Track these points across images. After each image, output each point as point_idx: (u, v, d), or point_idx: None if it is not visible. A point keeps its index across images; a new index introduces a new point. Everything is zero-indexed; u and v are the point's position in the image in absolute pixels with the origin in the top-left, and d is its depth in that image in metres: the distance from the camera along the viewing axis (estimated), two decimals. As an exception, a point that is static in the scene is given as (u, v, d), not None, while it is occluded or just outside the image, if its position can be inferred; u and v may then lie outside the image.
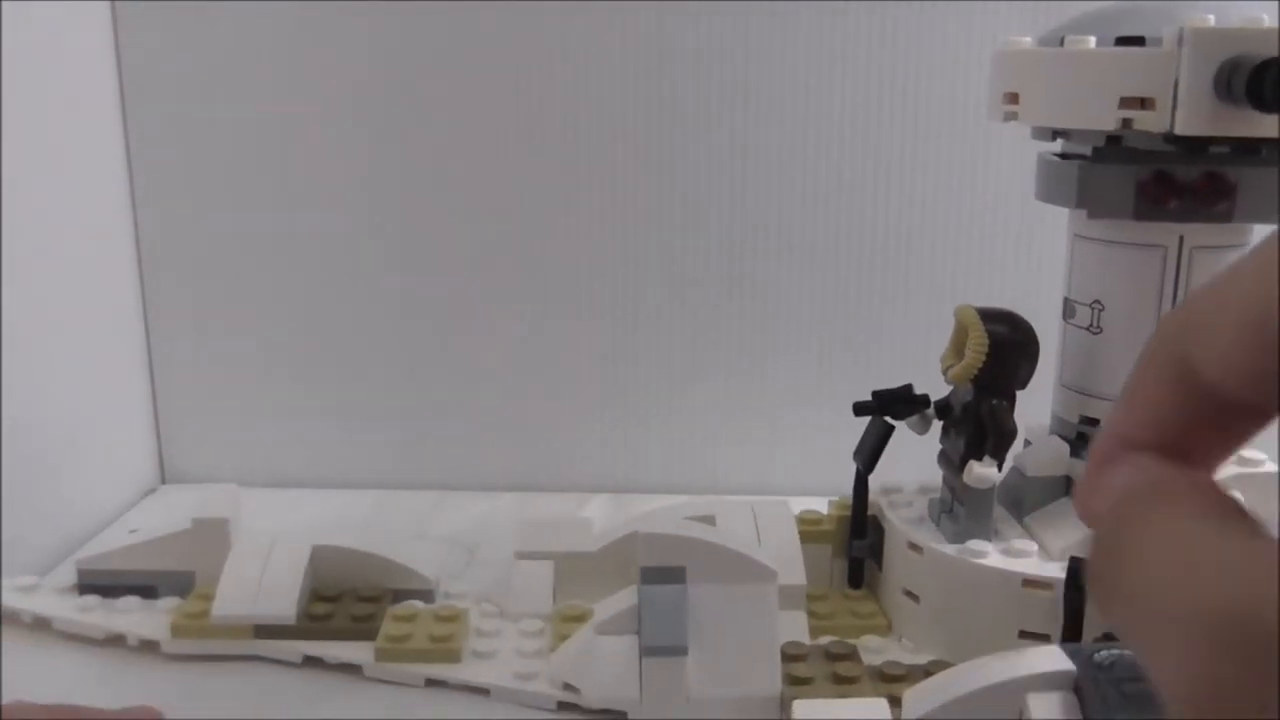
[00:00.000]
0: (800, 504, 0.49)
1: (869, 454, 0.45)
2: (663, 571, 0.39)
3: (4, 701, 0.37)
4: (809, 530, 0.47)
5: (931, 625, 0.43)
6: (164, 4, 0.57)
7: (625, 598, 0.40)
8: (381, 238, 0.59)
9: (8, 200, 0.49)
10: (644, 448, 0.60)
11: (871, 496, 0.47)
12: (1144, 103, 0.36)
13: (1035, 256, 0.57)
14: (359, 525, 0.56)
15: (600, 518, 0.52)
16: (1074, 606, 0.37)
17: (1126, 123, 0.37)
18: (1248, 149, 0.38)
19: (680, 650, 0.38)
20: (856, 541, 0.46)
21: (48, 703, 0.37)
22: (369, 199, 0.59)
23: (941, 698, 0.34)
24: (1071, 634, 0.37)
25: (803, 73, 0.56)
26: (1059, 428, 0.45)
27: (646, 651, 0.38)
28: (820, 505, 0.49)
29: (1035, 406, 0.45)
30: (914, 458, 0.46)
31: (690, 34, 0.56)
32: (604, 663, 0.39)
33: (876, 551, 0.46)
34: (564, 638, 0.42)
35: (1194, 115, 0.35)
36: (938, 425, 0.44)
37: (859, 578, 0.47)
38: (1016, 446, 0.42)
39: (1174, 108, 0.35)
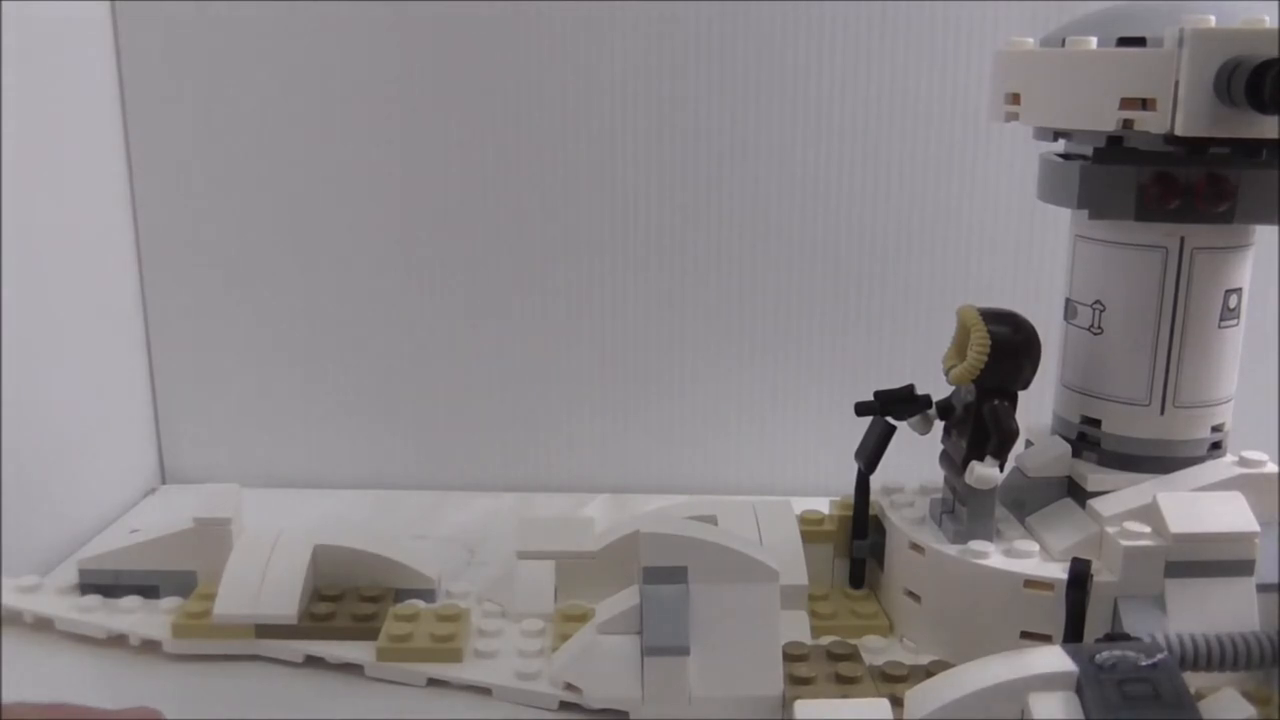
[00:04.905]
0: (802, 504, 0.49)
1: (871, 454, 0.45)
2: (665, 571, 0.39)
3: (4, 702, 0.37)
4: (810, 530, 0.47)
5: (933, 625, 0.43)
6: (164, 4, 0.57)
7: (627, 597, 0.40)
8: (382, 238, 0.59)
9: (8, 200, 0.49)
10: (645, 448, 0.60)
11: (873, 496, 0.47)
12: (1145, 104, 0.36)
13: (1037, 256, 0.57)
14: (360, 525, 0.56)
15: (601, 518, 0.52)
16: (1076, 607, 0.37)
17: (1127, 124, 0.37)
18: (1249, 150, 0.38)
19: (682, 650, 0.38)
20: (858, 542, 0.46)
21: (48, 702, 0.37)
22: (370, 200, 0.59)
23: (944, 698, 0.34)
24: (1073, 634, 0.37)
25: (804, 72, 0.56)
26: (1060, 428, 0.45)
27: (648, 651, 0.38)
28: (822, 505, 0.49)
29: (1037, 407, 0.45)
30: (915, 458, 0.46)
31: (690, 34, 0.56)
32: (605, 662, 0.39)
33: (878, 552, 0.46)
34: (565, 637, 0.42)
35: (1194, 116, 0.35)
36: (939, 426, 0.45)
37: (860, 578, 0.47)
38: (1018, 447, 0.42)
39: (1174, 109, 0.35)
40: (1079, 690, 0.33)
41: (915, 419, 0.44)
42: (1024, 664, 0.34)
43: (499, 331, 0.60)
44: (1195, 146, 0.38)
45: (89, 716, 0.37)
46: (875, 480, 0.46)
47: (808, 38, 0.55)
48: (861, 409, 0.45)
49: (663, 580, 0.39)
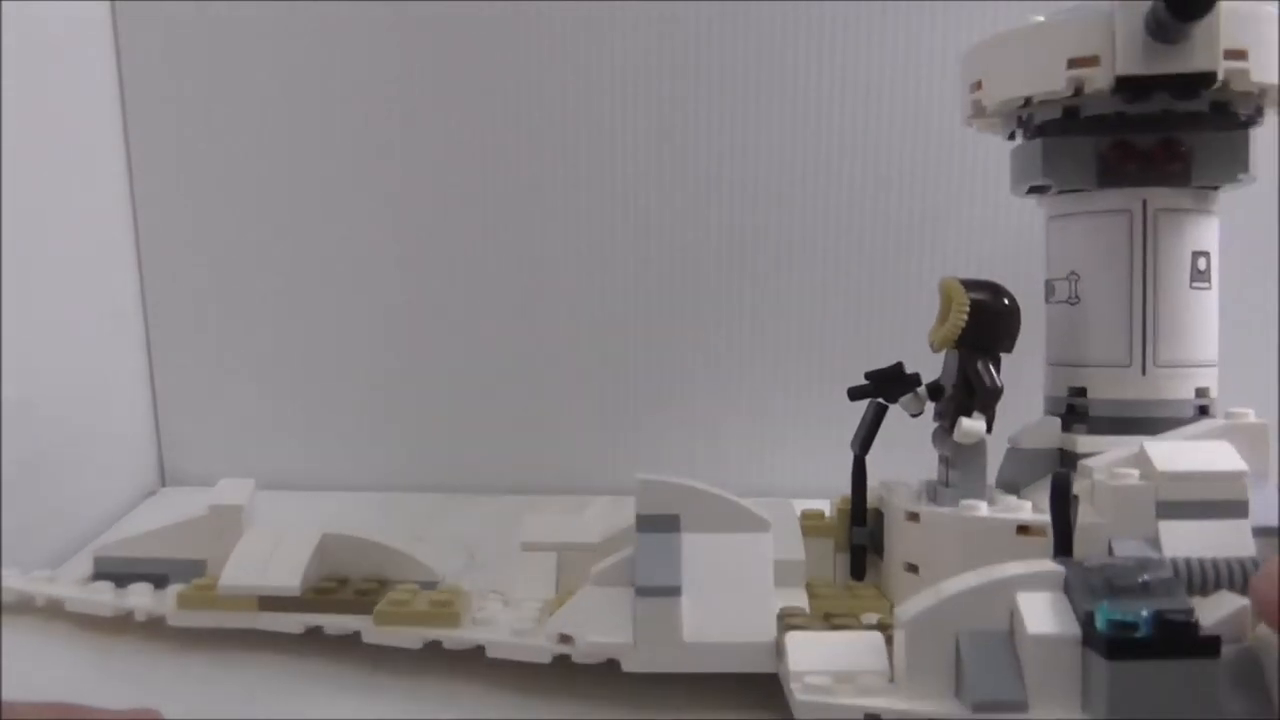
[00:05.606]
0: (803, 506, 0.49)
1: (864, 435, 0.46)
2: (658, 519, 0.40)
3: (4, 700, 0.37)
4: (811, 525, 0.47)
5: (932, 595, 0.42)
6: (164, 4, 0.58)
7: (622, 553, 0.41)
8: (384, 242, 0.60)
9: (8, 200, 0.50)
10: (645, 451, 0.61)
11: (873, 490, 0.47)
12: (1091, 62, 0.40)
13: (1039, 256, 0.57)
14: (360, 527, 0.55)
15: (602, 519, 0.52)
16: (1061, 521, 0.37)
17: (1078, 89, 0.40)
18: (1196, 118, 0.41)
19: (674, 591, 0.38)
20: (857, 529, 0.47)
21: (50, 698, 0.37)
22: (371, 202, 0.60)
23: (933, 599, 0.34)
24: (1061, 548, 0.37)
25: (804, 72, 0.57)
26: (1051, 406, 0.46)
27: (640, 592, 0.39)
28: (823, 508, 0.49)
29: (1029, 409, 0.46)
30: (914, 458, 0.46)
31: (690, 34, 0.57)
32: (599, 610, 0.40)
33: (877, 539, 0.47)
34: (563, 613, 0.42)
35: (1131, 56, 0.38)
36: (929, 409, 0.46)
37: (861, 567, 0.47)
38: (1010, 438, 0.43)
39: (1114, 57, 0.39)
40: (1067, 589, 0.33)
41: (907, 398, 0.45)
42: (1011, 568, 0.34)
43: (499, 336, 0.61)
44: (1147, 113, 0.41)
45: (89, 717, 0.37)
46: (875, 476, 0.47)
47: (808, 38, 0.57)
48: (854, 393, 0.46)
49: (656, 528, 0.40)
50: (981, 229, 0.59)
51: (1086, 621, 0.32)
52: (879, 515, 0.47)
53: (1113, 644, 0.31)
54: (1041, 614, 0.33)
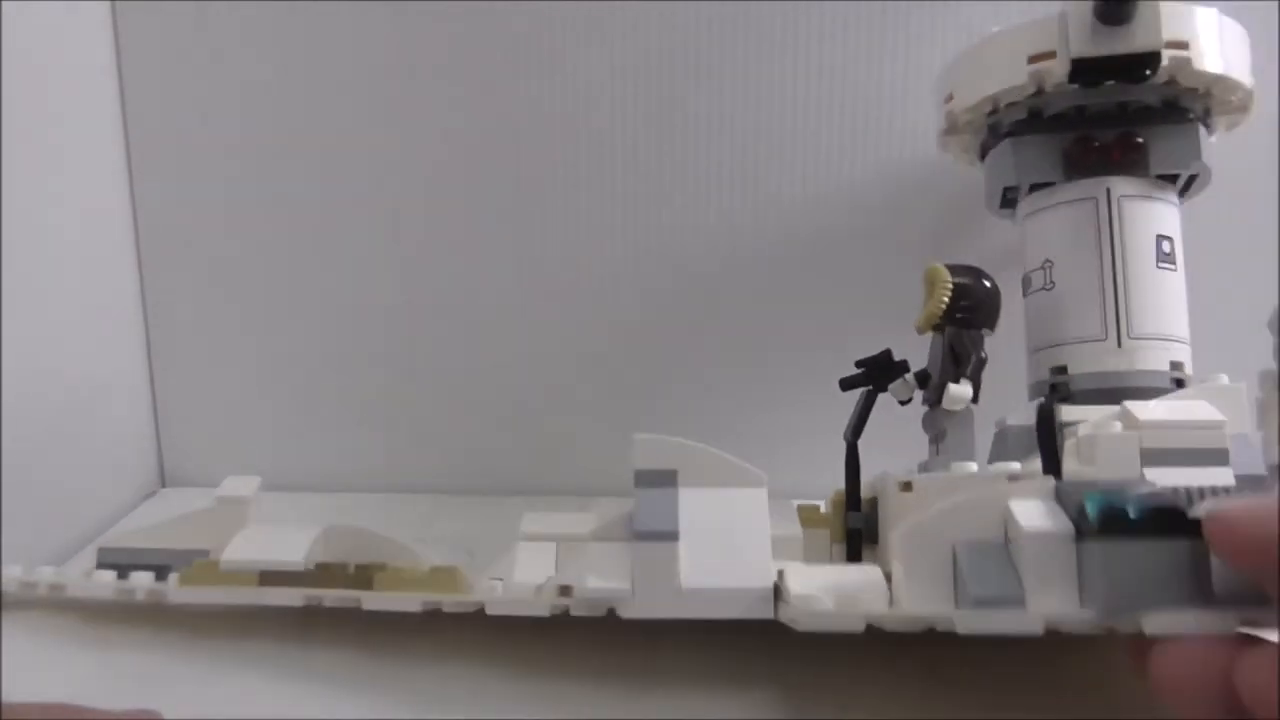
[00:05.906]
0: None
1: (856, 422, 0.47)
2: (656, 475, 0.41)
3: (4, 701, 0.37)
4: (808, 517, 0.48)
5: (928, 564, 0.43)
6: (164, 4, 0.58)
7: (622, 510, 0.42)
8: (383, 241, 0.60)
9: (7, 200, 0.50)
10: None
11: (868, 485, 0.48)
12: (1048, 56, 0.44)
13: None
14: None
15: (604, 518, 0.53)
16: (1049, 447, 0.38)
17: (1039, 84, 0.44)
18: (1149, 111, 0.45)
19: (671, 535, 0.39)
20: (852, 513, 0.47)
21: (51, 698, 0.37)
22: (370, 202, 0.60)
23: (930, 512, 0.35)
24: (1050, 471, 0.38)
25: (804, 72, 0.58)
26: (1034, 392, 0.47)
27: (638, 537, 0.39)
28: (819, 504, 0.50)
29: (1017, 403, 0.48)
30: (908, 457, 0.48)
31: (690, 35, 0.57)
32: (597, 561, 0.40)
33: (872, 526, 0.47)
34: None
35: (1083, 40, 0.42)
36: (918, 397, 0.47)
37: (857, 551, 0.47)
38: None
39: (1069, 46, 0.43)
40: (1058, 499, 0.35)
41: (896, 384, 0.47)
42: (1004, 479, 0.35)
43: (499, 334, 0.61)
44: (1104, 108, 0.44)
45: (89, 717, 0.37)
46: (870, 471, 0.48)
47: (808, 38, 0.57)
48: (846, 383, 0.48)
49: (654, 483, 0.41)
50: (981, 229, 0.59)
51: (1079, 515, 0.33)
52: (874, 504, 0.47)
53: (1104, 523, 0.32)
54: (1035, 515, 0.34)
